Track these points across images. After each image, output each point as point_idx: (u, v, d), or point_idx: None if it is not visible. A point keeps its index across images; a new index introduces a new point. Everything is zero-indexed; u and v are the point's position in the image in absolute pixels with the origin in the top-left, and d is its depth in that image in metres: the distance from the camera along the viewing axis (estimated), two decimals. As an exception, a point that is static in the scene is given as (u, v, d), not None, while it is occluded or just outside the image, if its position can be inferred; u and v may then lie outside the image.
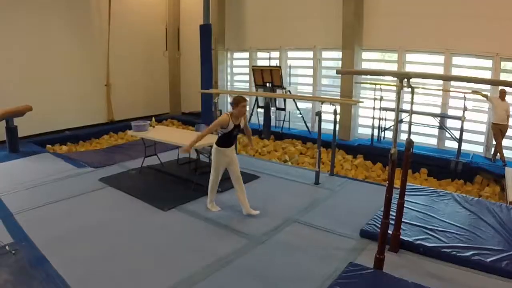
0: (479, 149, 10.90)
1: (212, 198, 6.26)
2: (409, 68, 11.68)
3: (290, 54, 14.14)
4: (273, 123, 13.59)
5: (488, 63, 10.54)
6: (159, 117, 15.03)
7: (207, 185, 6.16)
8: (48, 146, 11.86)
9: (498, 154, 9.90)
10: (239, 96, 5.80)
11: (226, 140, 5.82)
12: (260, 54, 14.85)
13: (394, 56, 11.95)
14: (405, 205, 5.00)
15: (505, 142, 9.95)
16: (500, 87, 9.86)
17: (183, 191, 7.04)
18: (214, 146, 5.86)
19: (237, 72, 16.09)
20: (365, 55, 12.31)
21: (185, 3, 16.63)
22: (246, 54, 15.27)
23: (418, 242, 4.95)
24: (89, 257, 4.68)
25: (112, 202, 6.61)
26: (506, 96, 9.73)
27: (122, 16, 14.74)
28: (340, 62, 12.33)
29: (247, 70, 15.12)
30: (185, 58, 17.06)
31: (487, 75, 10.54)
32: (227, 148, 5.86)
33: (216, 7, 14.88)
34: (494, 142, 10.13)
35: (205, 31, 13.55)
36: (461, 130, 10.06)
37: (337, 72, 4.83)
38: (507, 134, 9.88)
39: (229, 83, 16.10)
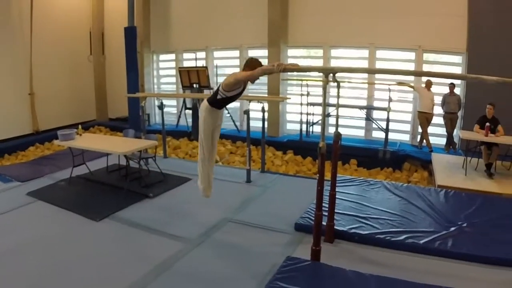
0: (406, 137, 11.38)
1: (209, 174, 5.27)
2: (334, 63, 11.95)
3: (217, 54, 14.01)
4: (201, 124, 13.30)
5: (411, 55, 10.99)
6: (85, 125, 14.30)
7: (138, 192, 5.85)
8: (-31, 162, 10.96)
9: (425, 141, 10.36)
10: (257, 60, 4.75)
11: (227, 101, 4.83)
12: (186, 55, 14.59)
13: (320, 52, 12.14)
14: (337, 196, 5.04)
15: (430, 129, 10.43)
16: (426, 78, 10.30)
17: (114, 199, 6.68)
18: (207, 106, 4.81)
19: (163, 74, 15.73)
20: (291, 52, 12.40)
21: (109, 5, 15.98)
22: (172, 56, 14.98)
23: (353, 230, 4.99)
24: (24, 276, 4.32)
25: (43, 217, 6.14)
26: (432, 86, 10.19)
27: (44, 21, 13.92)
28: (266, 60, 12.31)
29: (173, 72, 14.83)
30: (110, 62, 16.36)
31: (411, 66, 11.00)
32: (220, 110, 4.99)
33: (141, 9, 14.43)
34: (420, 130, 10.56)
35: (130, 33, 13.08)
36: (387, 120, 10.39)
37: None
38: (432, 121, 10.36)
39: (156, 86, 15.71)
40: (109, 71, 16.46)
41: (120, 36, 13.42)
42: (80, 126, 8.39)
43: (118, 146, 7.14)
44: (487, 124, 8.01)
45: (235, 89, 4.67)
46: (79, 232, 5.50)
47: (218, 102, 4.78)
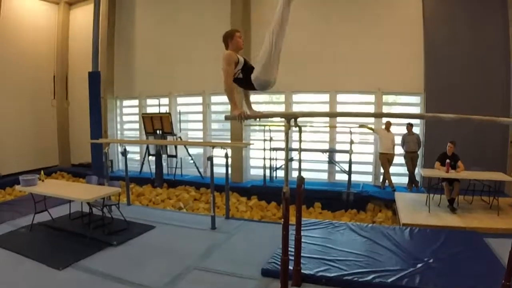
0: (369, 178, 11.57)
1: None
2: (296, 108, 12.17)
3: (180, 100, 14.09)
4: (165, 170, 13.29)
5: (371, 98, 11.33)
6: (48, 170, 13.97)
7: (101, 240, 5.66)
8: None
9: (387, 181, 10.52)
10: (231, 30, 4.41)
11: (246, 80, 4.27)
12: (150, 101, 14.61)
13: (282, 98, 12.36)
14: (302, 240, 5.04)
15: (392, 169, 10.67)
16: (386, 119, 10.63)
17: (77, 247, 6.46)
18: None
19: (127, 120, 15.67)
20: (253, 97, 12.34)
21: (74, 48, 16.01)
22: (135, 102, 14.98)
23: (320, 273, 4.96)
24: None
25: (3, 265, 5.86)
26: (391, 127, 10.49)
27: (7, 62, 13.86)
28: (229, 106, 12.38)
29: (137, 118, 14.75)
30: (73, 106, 16.24)
31: (371, 109, 11.37)
32: None
33: (105, 53, 14.46)
34: (382, 171, 10.75)
35: (94, 78, 12.97)
36: (350, 162, 10.56)
37: (226, 118, 4.75)
38: (393, 161, 10.63)
39: (119, 132, 15.59)
40: (72, 116, 16.34)
41: (84, 80, 13.32)
42: (42, 172, 8.20)
43: (81, 192, 7.01)
44: (448, 160, 8.27)
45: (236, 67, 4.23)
46: (41, 281, 5.27)
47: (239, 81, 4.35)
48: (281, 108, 12.44)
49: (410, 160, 10.36)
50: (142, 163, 13.71)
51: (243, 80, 4.28)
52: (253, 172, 12.84)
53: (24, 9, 14.75)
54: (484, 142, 10.04)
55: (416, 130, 10.62)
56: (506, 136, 10.07)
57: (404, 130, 10.47)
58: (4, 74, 13.67)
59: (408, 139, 10.31)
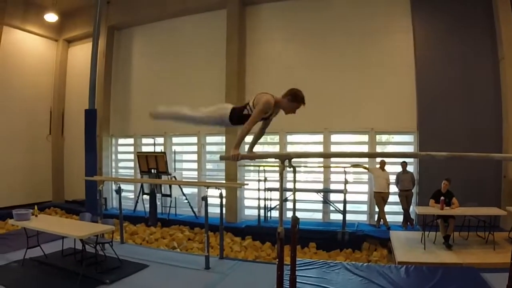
0: (363, 217, 11.55)
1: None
2: (290, 149, 12.29)
3: (175, 140, 14.19)
4: (159, 209, 13.19)
5: (365, 137, 11.46)
6: (41, 205, 13.76)
7: (93, 278, 5.58)
8: None
9: (382, 220, 10.48)
10: (303, 96, 4.45)
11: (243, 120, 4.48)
12: (145, 140, 14.69)
13: (276, 138, 12.49)
14: (297, 280, 4.91)
15: (386, 207, 10.70)
16: (380, 158, 10.67)
17: (69, 284, 6.36)
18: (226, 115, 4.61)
19: (122, 158, 15.69)
20: (248, 138, 12.53)
21: (71, 85, 16.23)
22: (131, 140, 15.04)
23: (315, 314, 4.84)
24: None
25: None
26: (386, 165, 10.55)
27: (5, 94, 14.05)
28: (224, 146, 12.51)
29: (132, 156, 14.80)
30: (69, 143, 16.30)
31: (365, 148, 11.48)
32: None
33: (101, 92, 14.60)
34: (377, 210, 10.74)
35: (90, 116, 12.95)
36: (344, 202, 10.58)
37: (221, 158, 4.80)
38: (388, 200, 10.66)
39: (113, 170, 15.57)
40: (67, 152, 16.41)
41: (80, 117, 13.33)
42: (36, 207, 8.11)
43: (74, 229, 6.92)
44: (442, 198, 8.30)
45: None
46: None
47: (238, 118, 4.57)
48: (275, 149, 12.56)
49: (405, 198, 10.39)
50: (136, 202, 13.65)
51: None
52: (247, 212, 12.80)
53: (24, 44, 15.11)
54: (477, 178, 10.11)
55: (410, 168, 10.70)
56: (499, 170, 10.19)
57: (398, 168, 10.53)
58: (1, 107, 13.77)
59: (403, 177, 10.36)
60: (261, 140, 12.50)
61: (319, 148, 11.99)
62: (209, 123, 4.75)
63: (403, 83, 11.07)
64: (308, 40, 12.23)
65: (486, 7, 10.53)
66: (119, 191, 9.11)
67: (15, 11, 14.43)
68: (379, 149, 11.66)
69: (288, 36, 12.55)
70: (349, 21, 11.72)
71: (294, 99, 4.39)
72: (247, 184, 10.34)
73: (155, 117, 5.06)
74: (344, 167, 10.83)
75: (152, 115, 5.03)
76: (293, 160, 4.38)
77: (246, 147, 5.25)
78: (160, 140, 14.08)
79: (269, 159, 11.68)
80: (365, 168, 10.90)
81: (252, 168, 12.50)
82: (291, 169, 4.57)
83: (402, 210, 10.58)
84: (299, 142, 12.49)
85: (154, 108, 5.01)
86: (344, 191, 10.51)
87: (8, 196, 13.82)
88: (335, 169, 11.67)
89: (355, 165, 10.93)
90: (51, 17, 15.01)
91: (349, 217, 10.87)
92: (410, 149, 11.29)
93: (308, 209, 11.96)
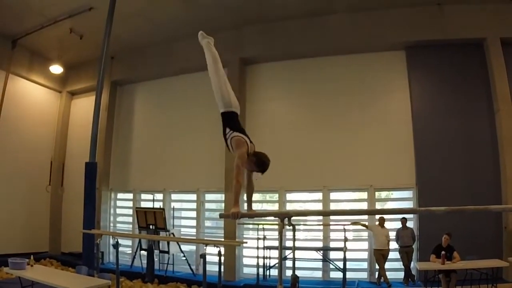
0: (364, 275, 11.39)
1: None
2: (289, 207, 12.31)
3: (174, 196, 14.21)
4: (156, 266, 12.97)
5: (364, 194, 11.52)
6: (37, 255, 13.48)
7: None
8: None
9: (382, 277, 10.33)
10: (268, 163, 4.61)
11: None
12: (144, 196, 14.67)
13: (275, 196, 12.54)
14: None
15: (387, 264, 10.58)
16: (379, 215, 10.66)
17: None
18: None
19: (120, 213, 15.61)
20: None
21: (73, 136, 16.37)
22: (130, 195, 15.02)
23: None
24: None
25: None
26: (385, 222, 10.54)
27: (6, 144, 14.16)
28: (223, 204, 12.52)
29: (130, 211, 14.71)
30: (68, 194, 16.15)
31: (364, 205, 11.50)
32: None
33: (102, 145, 14.65)
34: (377, 267, 10.60)
35: (90, 169, 12.90)
36: (344, 260, 10.42)
37: (221, 216, 4.85)
38: (388, 257, 10.53)
39: (111, 224, 15.44)
40: (66, 203, 16.27)
41: (80, 169, 13.28)
42: (32, 257, 8.07)
43: (70, 282, 6.87)
44: (443, 252, 8.23)
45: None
46: None
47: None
48: (274, 207, 12.61)
49: (405, 254, 10.29)
50: (134, 257, 13.42)
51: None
52: (246, 270, 12.60)
53: (27, 94, 15.43)
54: (478, 230, 10.02)
55: (410, 224, 10.66)
56: (499, 222, 10.14)
57: (398, 225, 10.50)
58: (2, 155, 13.86)
59: (403, 233, 10.32)
60: (260, 198, 12.69)
61: (318, 206, 12.00)
62: (218, 90, 5.11)
63: (401, 139, 11.22)
64: (307, 99, 12.51)
65: (480, 60, 10.89)
66: (116, 245, 9.01)
67: (21, 60, 14.81)
68: (378, 205, 11.65)
69: (288, 95, 12.86)
70: (347, 81, 12.06)
71: (259, 165, 4.58)
72: (246, 242, 10.28)
73: (202, 38, 5.24)
74: (344, 225, 10.78)
75: (202, 34, 5.25)
76: (292, 218, 4.40)
77: (245, 204, 5.28)
78: (159, 196, 14.09)
79: (268, 217, 11.65)
80: (364, 225, 10.84)
81: (251, 226, 12.47)
82: (291, 227, 4.58)
83: (403, 266, 10.45)
84: (298, 200, 12.54)
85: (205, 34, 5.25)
86: (344, 249, 10.38)
87: (3, 244, 13.59)
88: (334, 226, 11.61)
89: (355, 223, 10.88)
90: (56, 69, 15.37)
91: (349, 275, 10.71)
92: (409, 204, 11.26)
93: (307, 267, 11.80)
